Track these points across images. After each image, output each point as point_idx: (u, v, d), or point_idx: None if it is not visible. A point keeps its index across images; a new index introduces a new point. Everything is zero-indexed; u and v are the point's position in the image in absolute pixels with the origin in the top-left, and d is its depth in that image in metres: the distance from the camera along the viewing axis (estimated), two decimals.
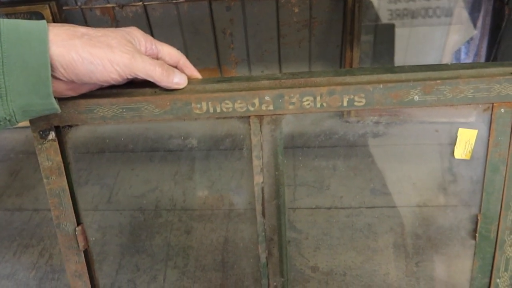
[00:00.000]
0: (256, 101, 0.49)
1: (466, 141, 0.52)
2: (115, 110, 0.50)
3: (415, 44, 1.12)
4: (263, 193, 0.54)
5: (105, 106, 0.50)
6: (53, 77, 0.43)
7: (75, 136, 0.53)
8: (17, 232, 0.98)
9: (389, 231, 0.87)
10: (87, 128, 0.52)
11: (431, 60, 1.13)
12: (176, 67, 0.52)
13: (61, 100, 0.48)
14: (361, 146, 0.96)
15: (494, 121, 0.50)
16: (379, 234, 0.87)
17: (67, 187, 0.54)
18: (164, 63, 0.48)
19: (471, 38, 1.08)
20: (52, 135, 0.52)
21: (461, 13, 1.06)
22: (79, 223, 0.57)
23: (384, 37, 1.12)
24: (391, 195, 0.93)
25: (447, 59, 1.12)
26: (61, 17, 1.10)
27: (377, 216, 0.90)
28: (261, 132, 0.52)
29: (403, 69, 0.50)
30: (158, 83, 0.48)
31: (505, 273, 0.56)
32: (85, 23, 1.14)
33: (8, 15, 1.09)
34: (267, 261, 0.58)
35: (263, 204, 0.55)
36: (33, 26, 0.40)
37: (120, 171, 1.05)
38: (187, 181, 1.01)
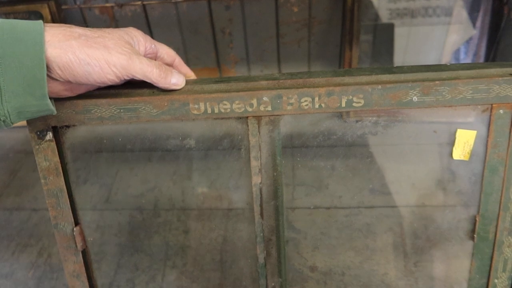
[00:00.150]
0: (254, 101, 0.49)
1: (465, 142, 0.52)
2: (113, 110, 0.50)
3: (414, 44, 1.12)
4: (261, 194, 0.54)
5: (103, 107, 0.50)
6: (50, 77, 0.43)
7: (73, 135, 0.53)
8: (15, 231, 0.98)
9: (387, 231, 0.87)
10: (85, 127, 0.52)
11: (430, 59, 1.13)
12: (171, 66, 0.52)
13: (58, 100, 0.48)
14: (359, 146, 0.96)
15: (493, 122, 0.50)
16: (378, 234, 0.87)
17: (64, 188, 0.54)
18: (162, 64, 0.48)
19: (471, 38, 1.08)
20: (49, 135, 0.52)
21: (461, 12, 1.06)
22: (77, 223, 0.57)
23: (384, 36, 1.11)
24: (390, 195, 0.93)
25: (447, 58, 1.12)
26: (60, 16, 1.10)
27: (376, 216, 0.90)
28: (259, 133, 0.52)
29: (401, 69, 0.50)
30: (155, 84, 0.48)
31: (503, 273, 0.56)
32: (84, 22, 1.14)
33: (7, 14, 1.08)
34: (265, 261, 0.58)
35: (261, 205, 0.55)
36: (29, 26, 0.40)
37: (118, 170, 1.05)
38: (185, 181, 1.01)
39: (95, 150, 0.96)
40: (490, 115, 0.50)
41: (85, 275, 0.59)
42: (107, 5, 1.10)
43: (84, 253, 0.58)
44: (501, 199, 0.53)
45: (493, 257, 0.55)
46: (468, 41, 1.09)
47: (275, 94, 0.49)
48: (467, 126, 0.52)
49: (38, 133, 0.52)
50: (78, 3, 1.11)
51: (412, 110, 0.50)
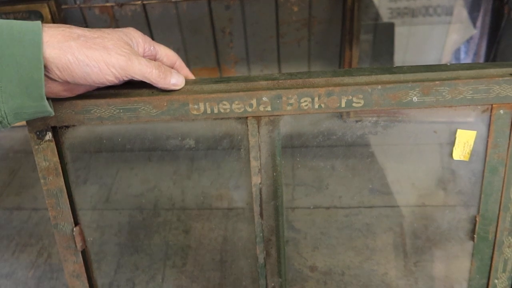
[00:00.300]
0: (254, 102, 0.49)
1: (465, 142, 0.52)
2: (112, 110, 0.50)
3: (415, 43, 1.12)
4: (261, 194, 0.54)
5: (102, 107, 0.50)
6: (49, 78, 0.43)
7: (73, 135, 0.53)
8: (15, 231, 0.98)
9: (387, 231, 0.87)
10: (85, 128, 0.52)
11: (430, 59, 1.13)
12: (172, 68, 0.51)
13: (57, 100, 0.48)
14: (359, 146, 0.96)
15: (493, 123, 0.50)
16: (378, 234, 0.87)
17: (64, 188, 0.54)
18: (161, 64, 0.48)
19: (471, 37, 1.08)
20: (49, 135, 0.52)
21: (461, 12, 1.06)
22: (76, 223, 0.57)
23: (384, 36, 1.11)
24: (390, 195, 0.93)
25: (447, 58, 1.12)
26: (60, 16, 1.10)
27: (376, 216, 0.90)
28: (259, 133, 0.51)
29: (401, 69, 0.50)
30: (155, 85, 0.48)
31: (503, 274, 0.56)
32: (84, 22, 1.14)
33: (7, 14, 1.08)
34: (265, 261, 0.58)
35: (261, 205, 0.55)
36: (27, 27, 0.40)
37: (118, 170, 1.05)
38: (185, 180, 1.01)
39: (95, 150, 0.96)
40: (490, 115, 0.50)
41: (85, 275, 0.59)
42: (107, 4, 1.10)
43: (84, 253, 0.58)
44: (501, 199, 0.53)
45: (493, 257, 0.55)
46: (468, 41, 1.09)
47: (274, 94, 0.49)
48: (467, 126, 0.52)
49: (38, 133, 0.52)
50: (78, 2, 1.11)
51: (412, 110, 0.50)
